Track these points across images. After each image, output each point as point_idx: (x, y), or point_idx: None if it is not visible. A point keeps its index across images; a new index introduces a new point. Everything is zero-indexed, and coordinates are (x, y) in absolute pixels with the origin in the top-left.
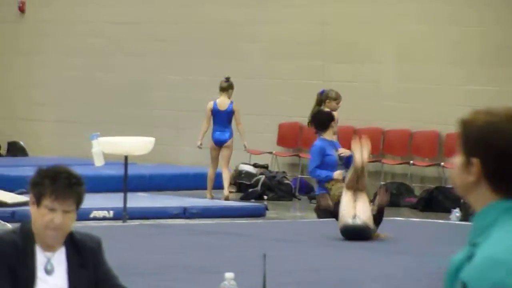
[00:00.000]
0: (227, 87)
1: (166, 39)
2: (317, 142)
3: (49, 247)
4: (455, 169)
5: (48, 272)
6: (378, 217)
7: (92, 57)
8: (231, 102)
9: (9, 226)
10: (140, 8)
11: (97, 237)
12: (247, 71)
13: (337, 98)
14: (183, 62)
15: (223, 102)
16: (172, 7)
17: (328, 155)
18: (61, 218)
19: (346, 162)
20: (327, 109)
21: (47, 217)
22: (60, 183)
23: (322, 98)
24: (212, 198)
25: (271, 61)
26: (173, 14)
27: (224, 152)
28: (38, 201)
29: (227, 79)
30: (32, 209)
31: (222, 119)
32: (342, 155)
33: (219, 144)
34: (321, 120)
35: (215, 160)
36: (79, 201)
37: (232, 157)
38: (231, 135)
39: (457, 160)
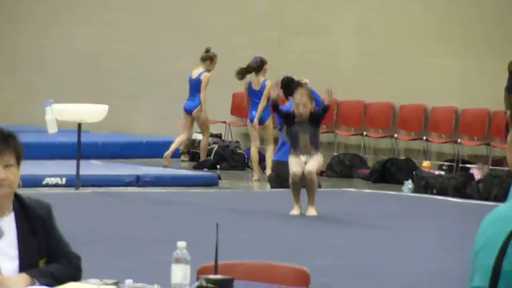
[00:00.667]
0: (203, 58)
1: (122, 9)
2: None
3: None
4: (508, 145)
5: None
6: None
7: (47, 25)
8: (202, 72)
9: None
10: None
11: (47, 203)
12: (204, 42)
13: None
14: (139, 32)
15: (195, 72)
16: None
17: None
18: (4, 173)
19: None
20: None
21: None
22: None
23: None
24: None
25: (226, 32)
26: None
27: (192, 120)
28: None
29: (207, 50)
30: None
31: (193, 87)
32: None
33: (187, 111)
34: (292, 87)
35: (185, 127)
36: (17, 154)
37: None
38: (199, 103)
39: (509, 137)
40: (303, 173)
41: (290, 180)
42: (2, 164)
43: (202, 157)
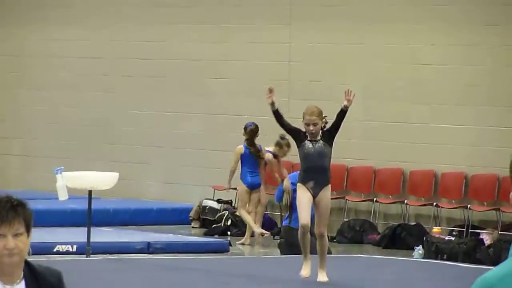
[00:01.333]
0: (275, 142)
1: (132, 75)
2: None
3: (8, 279)
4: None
5: None
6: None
7: (59, 91)
8: (268, 151)
9: None
10: (107, 43)
11: (57, 270)
12: (212, 107)
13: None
14: (149, 98)
15: (267, 148)
16: (139, 43)
17: None
18: (13, 242)
19: None
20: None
21: None
22: (3, 208)
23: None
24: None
25: (235, 97)
26: (139, 50)
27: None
28: None
29: (281, 137)
30: None
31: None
32: None
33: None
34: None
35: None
36: (27, 222)
37: (195, 192)
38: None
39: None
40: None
41: (299, 233)
42: (11, 233)
43: (258, 221)
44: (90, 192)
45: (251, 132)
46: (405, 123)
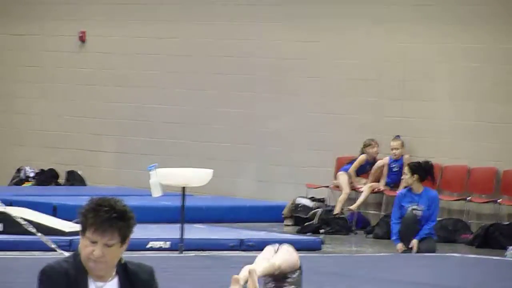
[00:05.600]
0: None
1: (224, 73)
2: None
3: (100, 277)
4: None
5: None
6: None
7: (151, 88)
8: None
9: (66, 255)
10: (196, 41)
11: (149, 266)
12: (303, 105)
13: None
14: (241, 96)
15: None
16: (230, 40)
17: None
18: (101, 251)
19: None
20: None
21: (88, 248)
22: (100, 216)
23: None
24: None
25: (327, 96)
26: (231, 48)
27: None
28: (82, 232)
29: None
30: (80, 239)
31: None
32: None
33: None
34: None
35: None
36: (122, 235)
37: (288, 190)
38: None
39: None
40: None
41: None
42: (103, 242)
43: (338, 209)
44: (183, 189)
45: None
46: (498, 122)
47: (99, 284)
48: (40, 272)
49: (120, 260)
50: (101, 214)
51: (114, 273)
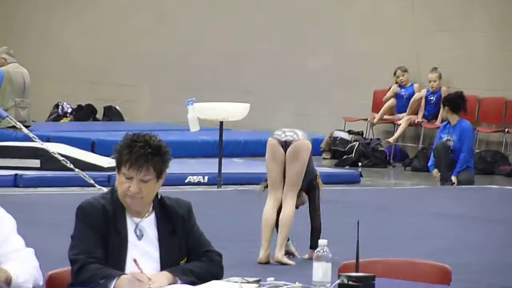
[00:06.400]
0: None
1: (258, 7)
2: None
3: (136, 213)
4: None
5: (138, 237)
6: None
7: (189, 25)
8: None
9: (104, 190)
10: None
11: (187, 202)
12: (341, 38)
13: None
14: (279, 30)
15: None
16: None
17: None
18: (137, 187)
19: None
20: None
21: (125, 185)
22: (135, 152)
23: None
24: None
25: (362, 32)
26: None
27: None
28: (118, 168)
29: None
30: (116, 176)
31: None
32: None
33: None
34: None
35: None
36: (157, 170)
37: (326, 124)
38: None
39: None
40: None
41: None
42: (138, 178)
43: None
44: (221, 123)
45: None
46: None
47: (136, 219)
48: (78, 208)
49: (157, 195)
50: (136, 150)
51: (151, 208)
